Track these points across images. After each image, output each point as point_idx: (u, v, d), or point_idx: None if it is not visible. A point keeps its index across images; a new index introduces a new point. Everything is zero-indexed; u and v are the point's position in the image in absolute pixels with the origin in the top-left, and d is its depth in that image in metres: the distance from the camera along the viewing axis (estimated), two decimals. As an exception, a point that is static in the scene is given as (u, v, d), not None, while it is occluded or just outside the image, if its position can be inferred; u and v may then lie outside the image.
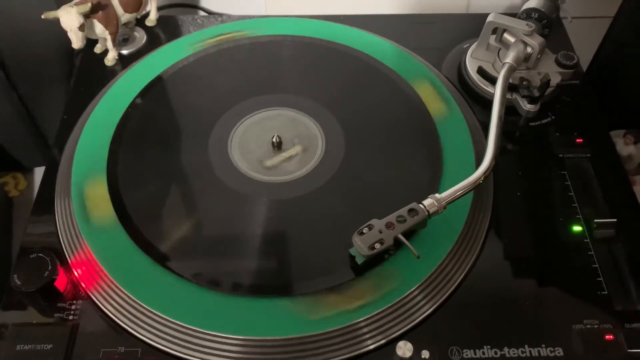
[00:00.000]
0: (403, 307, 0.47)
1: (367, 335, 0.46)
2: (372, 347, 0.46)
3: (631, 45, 0.65)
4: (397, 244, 0.47)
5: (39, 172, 0.72)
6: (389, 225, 0.47)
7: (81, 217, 0.51)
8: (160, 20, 0.71)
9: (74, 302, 0.48)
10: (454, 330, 0.47)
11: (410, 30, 0.70)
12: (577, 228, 0.53)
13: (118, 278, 0.48)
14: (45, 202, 0.55)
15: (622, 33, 0.66)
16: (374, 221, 0.47)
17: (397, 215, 0.48)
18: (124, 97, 0.61)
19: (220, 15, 0.75)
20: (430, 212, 0.48)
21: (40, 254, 0.48)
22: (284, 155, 0.57)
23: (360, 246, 0.46)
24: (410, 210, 0.48)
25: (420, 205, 0.48)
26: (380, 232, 0.47)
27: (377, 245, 0.46)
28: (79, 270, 0.49)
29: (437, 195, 0.48)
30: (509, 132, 0.60)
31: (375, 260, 0.48)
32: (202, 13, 0.82)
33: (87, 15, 0.60)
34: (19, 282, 0.46)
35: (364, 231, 0.47)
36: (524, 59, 0.60)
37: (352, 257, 0.48)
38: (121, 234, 0.50)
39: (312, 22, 0.70)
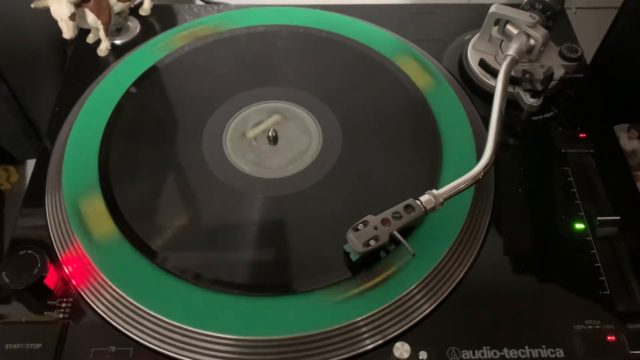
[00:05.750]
0: (402, 306, 0.46)
1: (366, 335, 0.45)
2: (370, 347, 0.45)
3: (637, 37, 0.63)
4: (393, 241, 0.46)
5: (31, 165, 0.70)
6: (384, 222, 0.46)
7: (72, 212, 0.50)
8: (154, 9, 0.69)
9: (65, 299, 0.47)
10: (452, 330, 0.46)
11: (410, 20, 0.69)
12: (579, 226, 0.51)
13: (109, 275, 0.47)
14: (36, 196, 0.54)
15: (628, 24, 0.64)
16: (369, 217, 0.46)
17: (393, 211, 0.46)
18: (117, 89, 0.60)
19: (217, 4, 0.73)
20: (427, 209, 0.47)
21: (30, 251, 0.47)
22: (266, 124, 0.56)
23: (355, 243, 0.45)
24: (407, 207, 0.47)
25: (417, 202, 0.47)
26: (376, 228, 0.46)
27: (372, 242, 0.45)
28: (70, 267, 0.48)
29: (434, 191, 0.47)
30: (511, 126, 0.58)
31: (371, 257, 0.47)
32: (198, 2, 0.81)
33: (78, 4, 0.59)
34: (7, 280, 0.45)
35: (359, 227, 0.46)
36: (527, 52, 0.59)
37: (347, 254, 0.47)
38: (113, 230, 0.49)
39: (309, 11, 0.68)
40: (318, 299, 0.46)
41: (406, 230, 0.47)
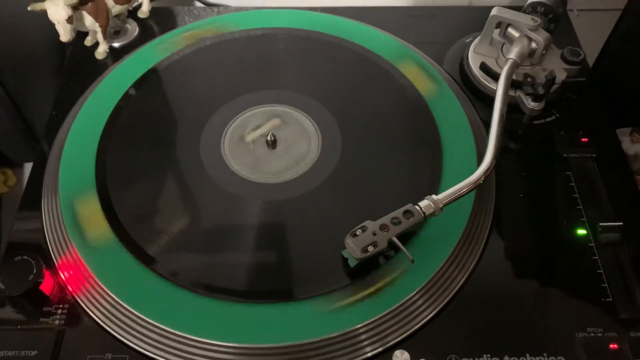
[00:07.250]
0: (402, 313, 0.45)
1: (365, 343, 0.44)
2: (369, 354, 0.44)
3: (640, 40, 0.63)
4: (392, 247, 0.45)
5: (29, 168, 0.70)
6: (383, 228, 0.46)
7: (69, 218, 0.50)
8: (153, 11, 0.69)
9: (61, 306, 0.46)
10: (452, 337, 0.45)
11: (411, 23, 0.68)
12: (581, 231, 0.51)
13: (106, 282, 0.46)
14: (33, 199, 0.53)
15: (631, 27, 0.64)
16: (367, 223, 0.46)
17: (392, 216, 0.46)
18: (115, 92, 0.59)
19: (217, 6, 0.73)
20: (427, 214, 0.46)
21: (25, 257, 0.46)
22: (265, 127, 0.56)
23: (353, 249, 0.45)
24: (406, 212, 0.46)
25: (416, 207, 0.46)
26: (374, 234, 0.45)
27: (371, 248, 0.45)
28: (66, 273, 0.48)
29: (434, 196, 0.47)
30: (512, 130, 0.58)
31: (370, 264, 0.47)
32: (198, 4, 0.80)
33: (75, 7, 0.58)
34: (2, 286, 0.45)
35: (357, 233, 0.45)
36: (529, 55, 0.58)
37: (346, 260, 0.47)
38: (110, 236, 0.49)
39: (309, 14, 0.68)
40: (317, 305, 0.45)
41: (406, 236, 0.47)
